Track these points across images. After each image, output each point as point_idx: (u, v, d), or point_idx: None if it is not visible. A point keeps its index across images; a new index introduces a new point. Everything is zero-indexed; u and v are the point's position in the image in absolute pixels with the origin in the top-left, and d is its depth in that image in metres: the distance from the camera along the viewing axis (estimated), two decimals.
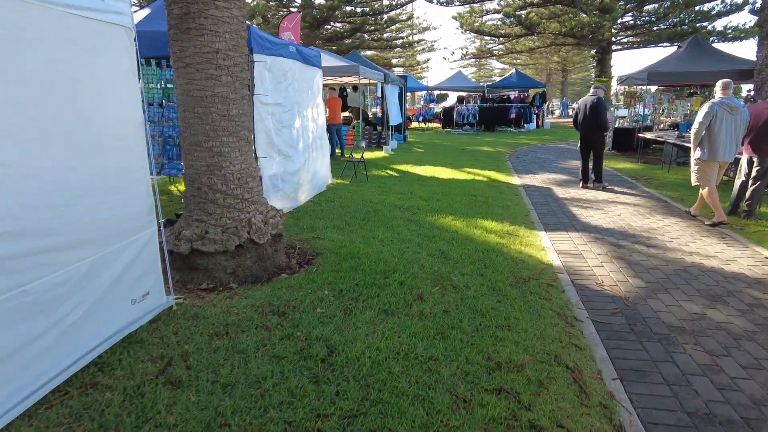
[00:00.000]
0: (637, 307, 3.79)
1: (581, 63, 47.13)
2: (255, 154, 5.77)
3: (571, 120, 15.50)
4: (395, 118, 16.91)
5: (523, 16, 26.73)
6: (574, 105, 46.93)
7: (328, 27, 30.67)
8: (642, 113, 14.15)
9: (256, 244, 4.34)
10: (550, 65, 51.05)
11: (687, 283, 4.27)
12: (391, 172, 10.42)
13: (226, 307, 3.64)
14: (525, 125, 24.49)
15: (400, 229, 5.71)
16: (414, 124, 29.53)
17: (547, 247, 5.30)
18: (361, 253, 4.80)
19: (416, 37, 35.82)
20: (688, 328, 3.44)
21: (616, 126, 14.75)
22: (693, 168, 6.31)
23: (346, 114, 19.14)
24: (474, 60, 65.25)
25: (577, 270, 4.63)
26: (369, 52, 35.63)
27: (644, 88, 13.98)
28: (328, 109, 12.64)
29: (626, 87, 15.12)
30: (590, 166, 9.07)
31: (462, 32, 32.19)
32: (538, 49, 37.32)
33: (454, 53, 45.03)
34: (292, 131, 6.81)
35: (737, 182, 6.64)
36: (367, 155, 13.51)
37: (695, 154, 6.21)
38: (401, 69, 51.79)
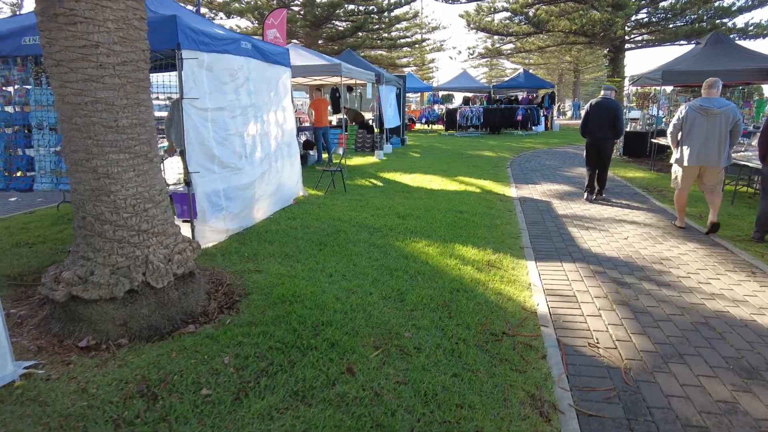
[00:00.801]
0: (641, 388, 2.80)
1: (594, 63, 45.71)
2: (186, 169, 4.87)
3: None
4: (391, 121, 15.97)
5: (531, 13, 25.63)
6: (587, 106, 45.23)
7: (331, 26, 29.84)
8: (656, 115, 13.03)
9: (154, 288, 3.43)
10: (562, 65, 49.70)
11: (710, 345, 3.27)
12: (375, 182, 9.48)
13: (87, 380, 2.73)
14: (533, 127, 23.38)
15: (359, 259, 4.77)
16: (417, 126, 28.56)
17: (534, 284, 4.32)
18: (297, 295, 3.87)
19: (422, 36, 34.83)
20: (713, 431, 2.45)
21: (628, 129, 13.64)
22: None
23: (340, 116, 18.24)
24: (485, 60, 64.08)
25: (567, 321, 3.64)
26: (374, 52, 34.75)
27: (659, 88, 12.86)
28: (313, 112, 11.76)
29: (639, 87, 14.01)
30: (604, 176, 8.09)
31: (468, 31, 31.12)
32: (548, 49, 36.15)
33: (460, 52, 43.79)
34: (243, 139, 5.90)
35: (762, 203, 5.58)
36: (357, 161, 12.59)
37: (673, 156, 6.15)
38: (412, 69, 50.88)
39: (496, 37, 34.55)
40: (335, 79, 13.00)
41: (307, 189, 8.51)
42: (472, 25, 29.99)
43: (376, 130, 17.00)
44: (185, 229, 5.09)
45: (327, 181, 9.00)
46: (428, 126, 27.25)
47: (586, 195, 8.08)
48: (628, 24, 24.39)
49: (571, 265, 4.81)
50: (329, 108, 12.06)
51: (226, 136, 5.52)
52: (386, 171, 10.86)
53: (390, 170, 10.97)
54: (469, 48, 38.17)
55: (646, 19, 24.61)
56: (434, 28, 42.43)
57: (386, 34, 34.47)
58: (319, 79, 13.29)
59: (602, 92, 7.92)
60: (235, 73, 5.70)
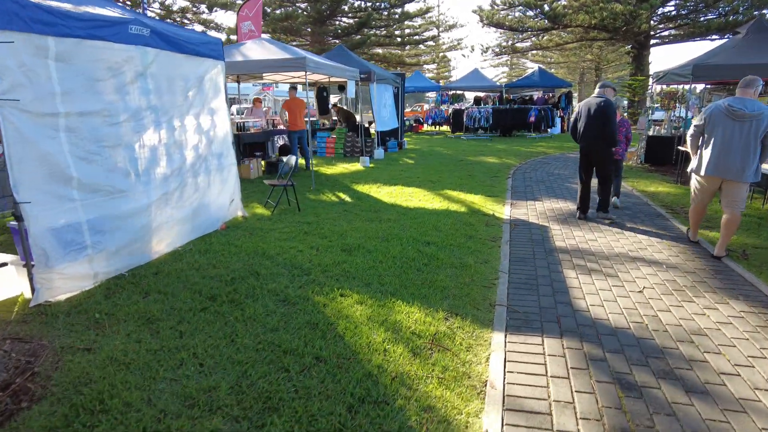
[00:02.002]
0: None
1: (616, 61, 43.33)
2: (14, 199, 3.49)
3: None
4: (386, 123, 14.51)
5: (547, 7, 23.85)
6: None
7: (336, 22, 28.50)
8: (685, 117, 11.28)
9: None
10: (583, 63, 47.44)
11: None
12: (345, 196, 8.02)
13: None
14: (548, 130, 21.63)
15: (245, 330, 3.33)
16: (425, 128, 27.03)
17: (492, 385, 2.80)
18: (106, 407, 2.45)
19: (435, 34, 33.23)
20: None
21: (651, 133, 11.91)
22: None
23: (333, 118, 16.85)
24: (504, 59, 61.92)
25: None
26: (383, 50, 33.27)
27: (687, 87, 11.11)
28: (287, 114, 10.38)
29: (664, 86, 12.25)
30: (612, 188, 6.64)
31: (482, 27, 29.47)
32: (567, 46, 34.17)
33: (473, 49, 41.77)
34: (133, 152, 4.51)
35: None
36: (338, 169, 11.16)
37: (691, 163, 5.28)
38: (428, 67, 49.25)
39: (511, 33, 32.80)
40: (315, 77, 11.60)
41: (254, 207, 7.10)
42: (485, 21, 28.32)
43: (372, 132, 15.58)
44: (22, 278, 3.72)
45: (282, 197, 7.58)
46: (434, 128, 25.70)
47: (578, 214, 6.62)
48: (653, 17, 22.44)
49: (557, 343, 3.27)
50: (308, 109, 10.64)
51: (99, 149, 4.13)
52: (364, 182, 9.39)
53: (369, 181, 9.50)
54: (481, 45, 36.31)
55: (673, 12, 22.60)
56: (451, 26, 40.79)
57: (398, 31, 32.99)
58: (298, 76, 11.89)
59: (596, 89, 6.42)
60: (118, 67, 4.31)
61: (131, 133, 4.48)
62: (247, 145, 10.60)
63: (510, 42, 33.81)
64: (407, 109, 42.44)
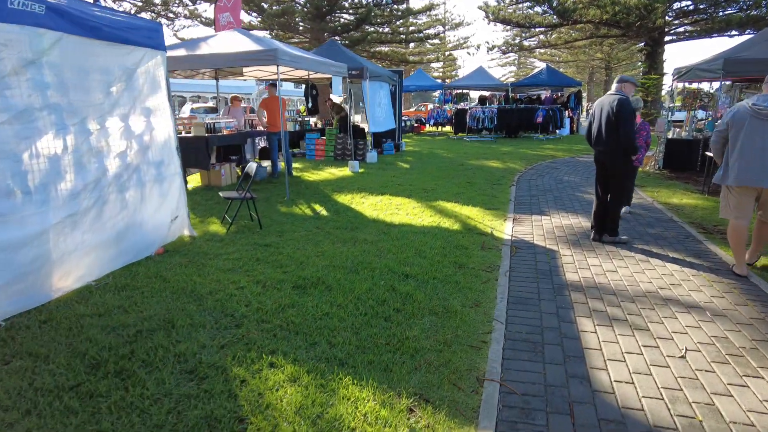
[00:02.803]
0: None
1: (627, 60, 41.97)
2: None
3: None
4: (381, 123, 13.45)
5: (555, 1, 22.68)
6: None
7: (335, 18, 27.45)
8: (711, 118, 10.13)
9: None
10: (593, 62, 46.09)
11: None
12: (322, 208, 6.97)
13: None
14: (556, 131, 20.48)
15: (104, 426, 2.29)
16: (427, 128, 25.95)
17: None
18: None
19: (437, 31, 32.10)
20: None
21: (670, 136, 10.76)
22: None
23: (331, 117, 15.80)
24: (512, 58, 60.56)
25: None
26: (386, 48, 32.17)
27: (714, 84, 9.97)
28: (265, 113, 9.35)
29: (686, 84, 11.10)
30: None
31: (488, 23, 28.30)
32: (576, 44, 32.93)
33: (478, 47, 40.48)
34: (17, 165, 3.48)
35: None
36: (324, 174, 10.11)
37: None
38: (435, 66, 48.06)
39: (518, 30, 31.60)
40: (299, 73, 10.56)
41: (210, 223, 6.07)
42: (492, 17, 27.16)
43: (368, 136, 14.53)
44: None
45: (244, 210, 6.55)
46: (437, 128, 24.61)
47: (592, 234, 5.59)
48: (669, 12, 21.21)
49: None
50: (283, 108, 9.61)
51: None
52: (348, 191, 8.34)
53: (354, 189, 8.44)
54: (487, 43, 35.07)
55: (690, 6, 21.33)
56: (457, 24, 39.57)
57: (402, 29, 31.89)
58: (288, 73, 10.85)
59: (614, 85, 5.30)
60: None
61: (14, 140, 3.45)
62: (220, 148, 9.58)
63: (517, 40, 32.60)
64: (411, 109, 41.42)
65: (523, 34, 30.70)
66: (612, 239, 5.45)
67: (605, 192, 5.43)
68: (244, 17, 27.04)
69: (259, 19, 26.13)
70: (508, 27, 31.09)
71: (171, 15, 22.16)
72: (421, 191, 8.37)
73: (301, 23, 26.31)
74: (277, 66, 7.07)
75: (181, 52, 7.70)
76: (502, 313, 3.64)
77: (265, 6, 24.86)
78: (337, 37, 26.45)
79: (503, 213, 6.92)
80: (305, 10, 25.41)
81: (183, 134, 8.45)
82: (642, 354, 3.07)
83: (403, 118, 28.04)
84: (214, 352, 2.98)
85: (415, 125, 25.31)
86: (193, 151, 8.38)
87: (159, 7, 21.39)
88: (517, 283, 4.28)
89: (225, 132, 8.99)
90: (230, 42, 7.77)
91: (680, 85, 10.98)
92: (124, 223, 4.48)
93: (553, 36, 31.71)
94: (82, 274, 4.04)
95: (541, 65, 26.83)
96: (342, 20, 27.39)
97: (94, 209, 4.12)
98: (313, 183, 9.21)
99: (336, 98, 14.64)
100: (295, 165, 11.68)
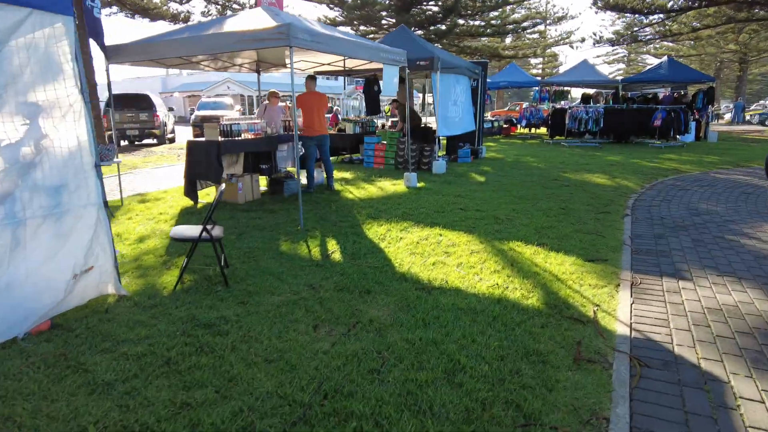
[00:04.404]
0: None
1: None
2: None
3: (749, 129, 8.56)
4: (454, 125, 11.15)
5: None
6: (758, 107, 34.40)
7: (420, 9, 25.32)
8: None
9: None
10: (722, 55, 39.54)
11: None
12: (336, 248, 4.90)
13: None
14: (677, 137, 16.71)
15: None
16: (519, 130, 23.01)
17: None
18: None
19: (529, 23, 28.73)
20: None
21: None
22: None
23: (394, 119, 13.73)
24: (621, 54, 54.46)
25: None
26: (477, 42, 29.44)
27: None
28: (301, 113, 7.52)
29: None
30: None
31: (596, 12, 24.61)
32: (702, 32, 27.87)
33: (584, 40, 35.94)
34: None
35: None
36: (370, 190, 8.06)
37: None
38: (535, 62, 44.27)
39: (632, 18, 27.39)
40: (352, 62, 8.59)
41: (165, 272, 4.24)
42: (600, 3, 23.53)
43: (443, 140, 12.32)
44: None
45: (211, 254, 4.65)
46: (529, 130, 21.60)
47: None
48: None
49: None
50: (323, 106, 7.69)
51: None
52: (389, 217, 6.19)
53: (398, 215, 6.28)
54: (593, 34, 30.88)
55: None
56: (560, 18, 35.70)
57: (495, 21, 28.99)
58: (308, 56, 8.95)
59: None
60: None
61: None
62: (249, 155, 7.89)
63: (631, 30, 28.29)
64: (505, 108, 38.15)
65: (638, 23, 26.47)
66: None
67: None
68: (328, 12, 25.84)
69: (343, 13, 24.77)
70: (620, 15, 27.08)
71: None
72: (490, 222, 6.01)
73: (385, 16, 24.52)
74: (290, 47, 5.10)
75: (183, 35, 6.05)
76: None
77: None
78: (421, 31, 24.34)
79: (614, 269, 4.40)
80: (388, 1, 23.57)
81: (194, 138, 6.85)
82: None
83: (490, 118, 25.38)
84: None
85: (504, 126, 22.47)
86: (203, 160, 6.72)
87: None
88: None
89: (249, 135, 7.24)
90: (244, 21, 5.97)
91: None
92: None
93: (675, 24, 27.05)
94: None
95: (654, 61, 22.70)
96: (428, 13, 25.21)
97: None
98: (350, 202, 7.18)
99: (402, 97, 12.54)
100: (345, 175, 9.76)
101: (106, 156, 6.21)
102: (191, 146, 6.86)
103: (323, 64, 9.14)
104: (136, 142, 17.46)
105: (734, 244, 5.20)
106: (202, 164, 6.73)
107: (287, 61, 8.80)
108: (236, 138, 6.95)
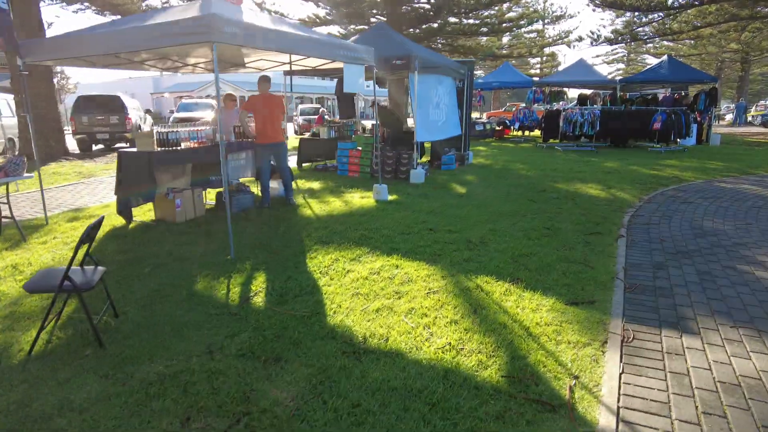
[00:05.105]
0: None
1: None
2: None
3: (752, 131, 7.75)
4: (436, 130, 10.28)
5: None
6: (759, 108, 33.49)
7: (411, 6, 24.42)
8: None
9: None
10: (723, 55, 38.64)
11: None
12: (261, 287, 4.01)
13: None
14: (678, 140, 15.82)
15: None
16: (512, 132, 22.14)
17: None
18: None
19: (524, 21, 27.83)
20: None
21: None
22: None
23: (369, 122, 12.88)
24: (620, 54, 53.51)
25: None
26: (470, 42, 28.53)
27: None
28: (252, 118, 6.65)
29: None
30: None
31: (594, 10, 23.71)
32: (703, 31, 26.94)
33: (581, 39, 34.98)
34: None
35: None
36: (334, 205, 7.18)
37: None
38: (533, 61, 43.36)
39: (631, 16, 26.56)
40: (309, 62, 7.71)
41: (35, 325, 3.37)
42: (598, 0, 22.66)
43: (427, 145, 11.48)
44: None
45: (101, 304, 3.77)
46: (523, 133, 20.73)
47: None
48: None
49: None
50: (280, 110, 6.82)
51: None
52: (343, 241, 5.30)
53: (354, 239, 5.39)
54: (591, 33, 29.94)
55: None
56: (558, 17, 34.78)
57: (490, 20, 28.08)
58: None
59: None
60: None
61: None
62: (198, 165, 7.01)
63: (630, 29, 27.38)
64: (501, 108, 37.22)
65: (638, 20, 25.61)
66: None
67: None
68: (317, 10, 24.91)
69: (332, 11, 23.86)
70: (619, 14, 26.22)
71: None
72: (460, 247, 5.13)
73: (375, 14, 23.63)
74: (214, 46, 4.22)
75: (106, 30, 5.18)
76: None
77: None
78: (412, 29, 23.44)
79: (601, 316, 3.52)
80: None
81: (125, 148, 5.97)
82: None
83: (482, 120, 24.46)
84: None
85: (497, 128, 21.58)
86: (134, 174, 5.85)
87: None
88: None
89: (191, 144, 6.36)
90: (176, 14, 5.08)
91: None
92: None
93: (675, 22, 26.13)
94: None
95: (653, 61, 21.85)
96: (420, 10, 24.32)
97: None
98: (304, 221, 6.30)
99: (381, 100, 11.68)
100: (313, 185, 8.88)
101: (13, 171, 5.33)
102: (122, 158, 5.98)
103: (285, 63, 8.23)
104: (111, 147, 16.59)
105: (748, 279, 4.32)
106: (133, 178, 5.85)
107: (246, 59, 7.91)
108: (175, 148, 6.06)
